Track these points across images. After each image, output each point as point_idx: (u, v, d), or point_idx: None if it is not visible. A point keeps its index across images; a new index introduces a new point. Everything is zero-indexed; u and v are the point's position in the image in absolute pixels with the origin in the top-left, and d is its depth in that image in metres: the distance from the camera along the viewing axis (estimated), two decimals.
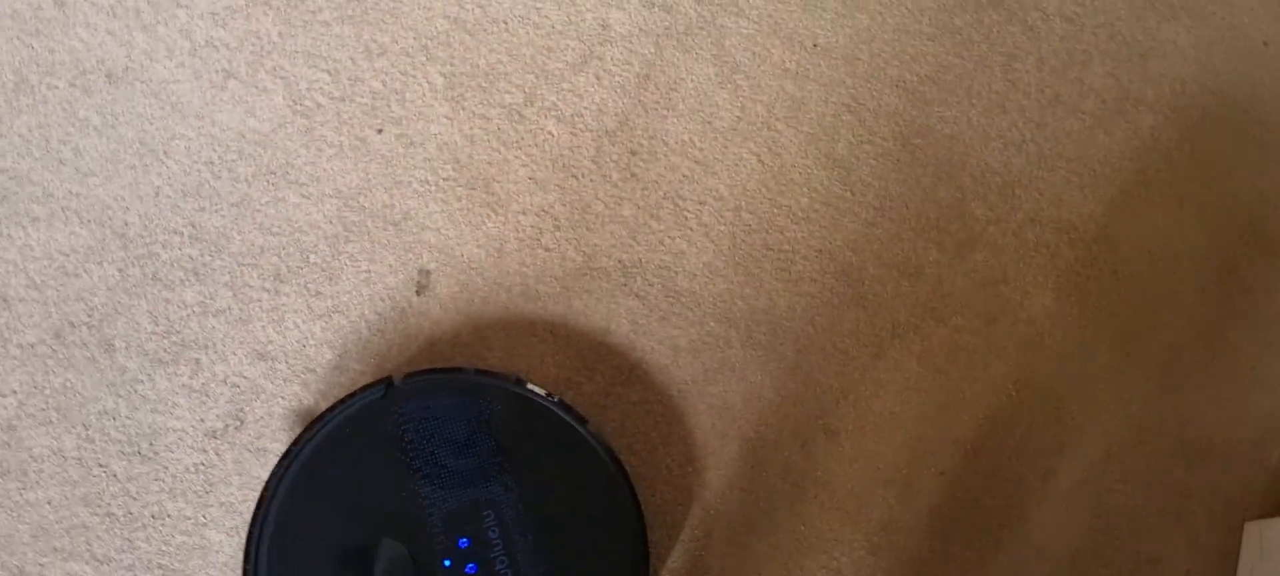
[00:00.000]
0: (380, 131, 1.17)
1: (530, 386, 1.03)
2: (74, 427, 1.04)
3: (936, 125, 1.27)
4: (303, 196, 1.13)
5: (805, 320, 1.19)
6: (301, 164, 1.14)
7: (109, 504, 1.04)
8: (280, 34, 1.17)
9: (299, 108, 1.15)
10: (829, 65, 1.27)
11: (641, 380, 1.15)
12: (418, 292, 1.12)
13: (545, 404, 1.03)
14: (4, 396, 1.04)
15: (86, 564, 1.03)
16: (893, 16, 1.30)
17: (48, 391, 1.05)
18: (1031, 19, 1.32)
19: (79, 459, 1.04)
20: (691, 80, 1.24)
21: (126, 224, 1.09)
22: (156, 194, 1.10)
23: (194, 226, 1.11)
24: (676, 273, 1.18)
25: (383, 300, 1.12)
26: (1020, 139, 1.28)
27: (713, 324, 1.18)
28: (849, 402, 1.18)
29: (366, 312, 1.12)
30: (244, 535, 0.96)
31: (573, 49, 1.23)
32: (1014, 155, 1.27)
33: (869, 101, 1.26)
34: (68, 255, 1.07)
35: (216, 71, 1.15)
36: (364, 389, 1.01)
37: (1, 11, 1.12)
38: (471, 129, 1.19)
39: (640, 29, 1.24)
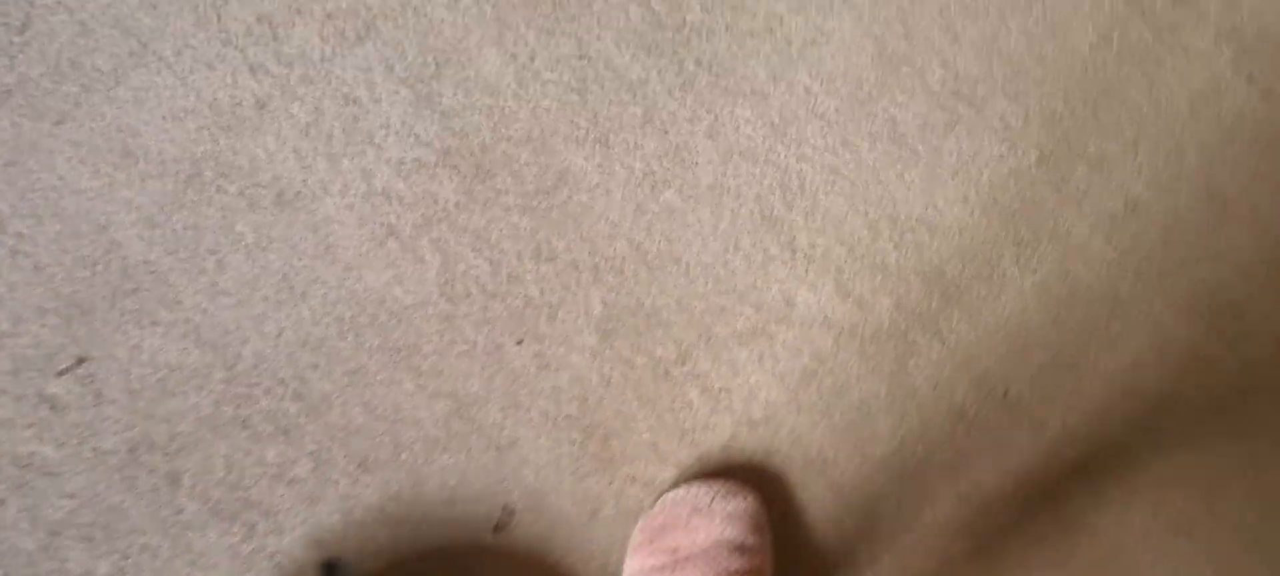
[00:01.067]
0: (520, 343, 0.86)
1: None
2: (112, 554, 0.78)
3: (1092, 521, 0.89)
4: (418, 387, 0.83)
5: None
6: (429, 351, 0.84)
7: None
8: (457, 204, 0.87)
9: (448, 291, 0.86)
10: (1012, 422, 0.90)
11: None
12: (494, 530, 0.81)
13: None
14: (63, 497, 0.78)
15: None
16: (1096, 385, 0.91)
17: (102, 506, 0.79)
18: None
19: None
20: (858, 393, 0.89)
21: (239, 357, 0.82)
22: (279, 336, 0.83)
23: (302, 382, 0.82)
24: None
25: (457, 526, 0.82)
26: None
27: None
28: None
29: (435, 534, 0.82)
30: None
31: (746, 318, 0.89)
32: None
33: (1041, 478, 0.89)
34: (172, 371, 0.81)
35: (381, 225, 0.86)
36: None
37: (202, 99, 0.85)
38: (611, 371, 0.87)
39: (825, 318, 0.90)
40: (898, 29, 1.05)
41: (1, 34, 0.88)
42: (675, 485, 0.89)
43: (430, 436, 0.88)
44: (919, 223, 1.01)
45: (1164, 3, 1.12)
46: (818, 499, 0.92)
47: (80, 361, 0.84)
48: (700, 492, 0.85)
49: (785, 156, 0.99)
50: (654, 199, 0.96)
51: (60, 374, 0.83)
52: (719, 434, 0.91)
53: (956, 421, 0.94)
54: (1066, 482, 0.95)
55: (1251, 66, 1.11)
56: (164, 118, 0.91)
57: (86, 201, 0.88)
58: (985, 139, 1.04)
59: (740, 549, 0.82)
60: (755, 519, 0.85)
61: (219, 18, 0.94)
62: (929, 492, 0.93)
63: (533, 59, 0.97)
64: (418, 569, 0.84)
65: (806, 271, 0.96)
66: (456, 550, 0.85)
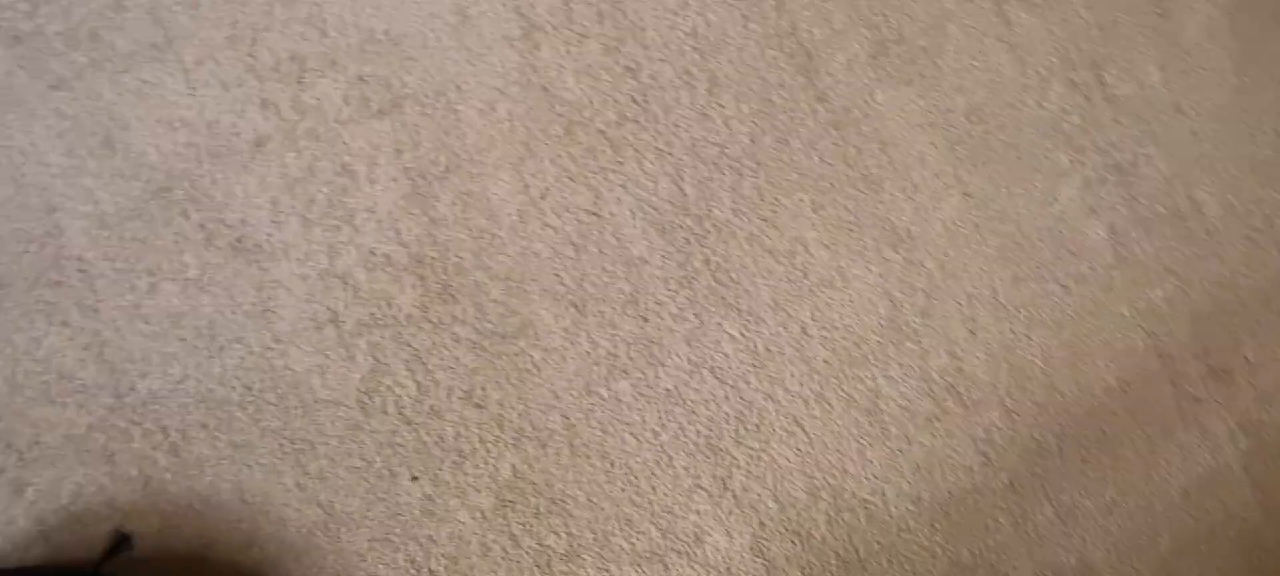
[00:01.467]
0: (415, 479, 0.55)
1: None
2: None
3: None
4: (298, 485, 0.54)
5: None
6: (323, 454, 0.55)
7: None
8: (410, 316, 0.56)
9: (366, 400, 0.55)
10: None
11: None
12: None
13: None
14: None
15: None
16: None
17: None
18: None
19: None
20: None
21: (133, 389, 0.54)
22: (180, 381, 0.54)
23: (184, 437, 0.54)
24: None
25: None
26: None
27: None
28: None
29: None
30: None
31: (649, 538, 0.59)
32: None
33: None
34: (62, 378, 0.54)
35: (327, 309, 0.55)
36: None
37: (203, 115, 0.55)
38: (494, 542, 0.57)
39: (727, 568, 0.65)
40: (919, 301, 0.68)
41: None
42: None
43: (288, 540, 0.56)
44: (861, 506, 0.65)
45: (1199, 372, 0.73)
46: None
47: None
48: None
49: (755, 389, 0.65)
50: (606, 384, 0.62)
51: None
52: None
53: None
54: None
55: (1263, 471, 0.72)
56: (158, 121, 0.60)
57: (48, 177, 0.58)
58: (963, 446, 0.67)
59: None
60: None
61: (253, 42, 0.63)
62: None
63: (544, 197, 0.64)
64: None
65: (729, 514, 0.62)
66: None
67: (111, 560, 0.63)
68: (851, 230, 0.80)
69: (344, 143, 0.73)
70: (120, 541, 0.64)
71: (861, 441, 0.79)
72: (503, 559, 0.71)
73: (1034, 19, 0.84)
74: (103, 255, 0.69)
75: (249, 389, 0.69)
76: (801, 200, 0.79)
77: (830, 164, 0.80)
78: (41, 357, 0.67)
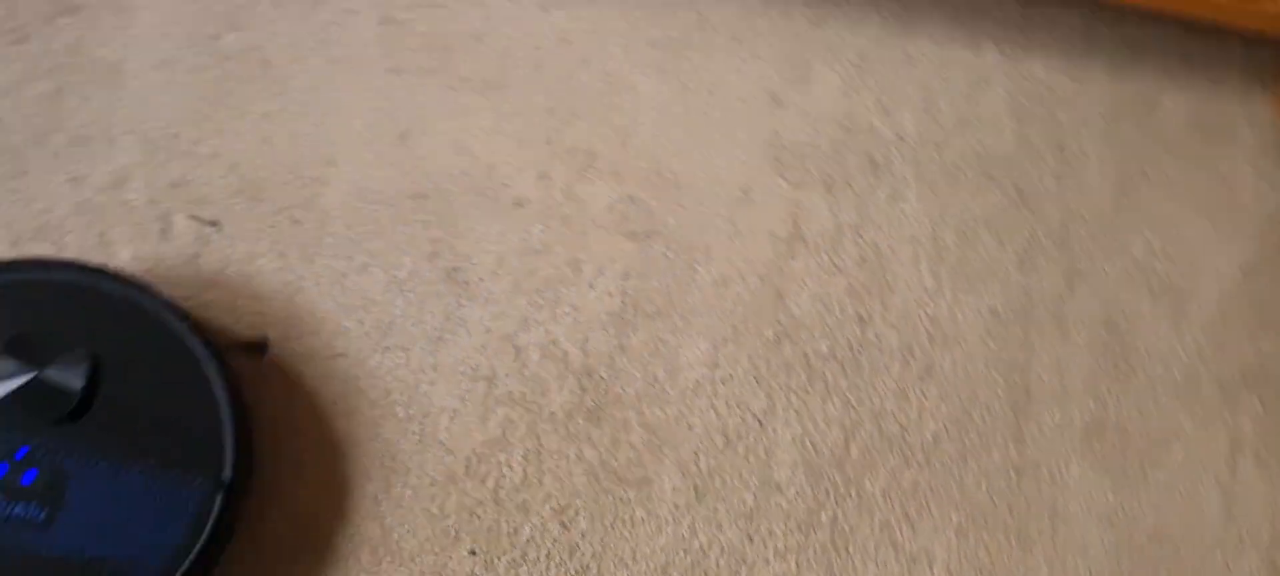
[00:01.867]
0: (473, 553, 0.36)
1: None
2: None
3: None
4: (375, 498, 0.38)
5: None
6: (412, 484, 0.43)
7: None
8: (552, 415, 0.41)
9: (473, 463, 0.42)
10: None
11: None
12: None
13: None
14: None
15: None
16: None
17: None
18: None
19: None
20: None
21: (299, 339, 0.42)
22: (337, 355, 0.40)
23: (310, 402, 0.35)
24: None
25: None
26: None
27: None
28: None
29: None
30: None
31: None
32: None
33: None
34: (251, 299, 0.52)
35: (488, 367, 0.43)
36: None
37: (483, 159, 0.46)
38: None
39: None
40: None
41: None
42: None
43: (338, 540, 0.38)
44: None
45: None
46: None
47: (214, 223, 0.47)
48: None
49: None
50: (684, 574, 0.45)
51: (193, 216, 0.45)
52: None
53: None
54: None
55: None
56: (451, 142, 0.62)
57: (343, 135, 0.52)
58: None
59: None
60: None
61: (566, 121, 0.59)
62: None
63: (725, 382, 0.47)
64: None
65: None
66: None
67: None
68: (982, 572, 0.57)
69: (587, 242, 0.59)
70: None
71: None
72: None
73: (1262, 482, 0.61)
74: (344, 220, 0.57)
75: (387, 394, 0.54)
76: (950, 518, 0.58)
77: (994, 503, 0.58)
78: (248, 272, 0.55)
